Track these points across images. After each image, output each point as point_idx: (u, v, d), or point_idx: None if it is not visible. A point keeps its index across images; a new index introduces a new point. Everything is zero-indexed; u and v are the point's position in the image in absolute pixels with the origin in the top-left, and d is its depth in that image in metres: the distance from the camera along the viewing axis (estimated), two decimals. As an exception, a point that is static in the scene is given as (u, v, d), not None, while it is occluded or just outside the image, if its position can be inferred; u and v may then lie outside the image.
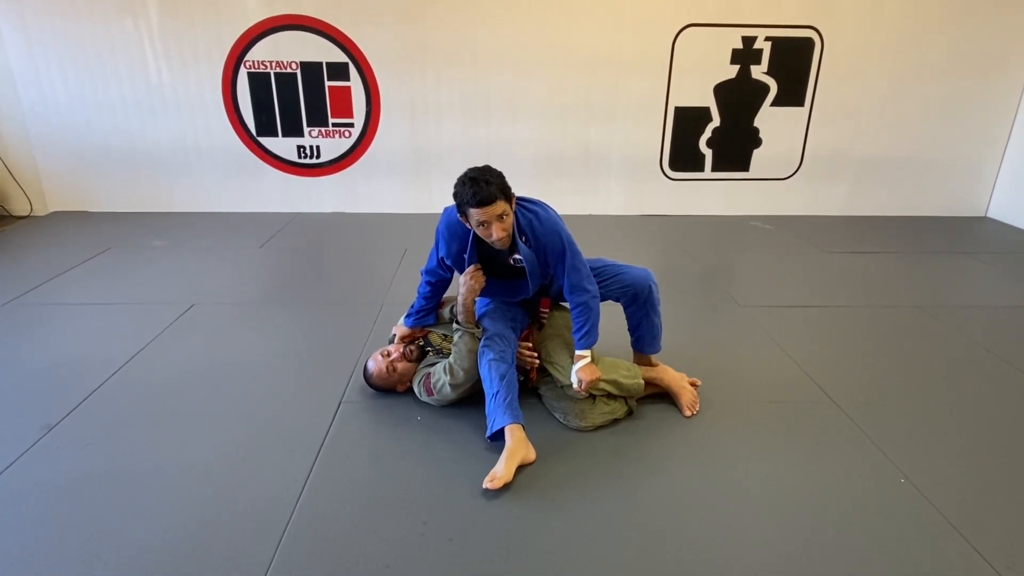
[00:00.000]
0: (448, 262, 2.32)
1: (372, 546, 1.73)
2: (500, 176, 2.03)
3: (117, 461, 2.08)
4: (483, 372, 2.23)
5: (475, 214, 2.01)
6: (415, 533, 1.78)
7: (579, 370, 2.20)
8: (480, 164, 2.08)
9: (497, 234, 2.04)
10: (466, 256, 2.24)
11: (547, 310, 2.49)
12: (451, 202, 2.14)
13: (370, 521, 1.82)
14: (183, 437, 2.21)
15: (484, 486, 1.92)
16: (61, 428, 2.25)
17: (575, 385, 2.21)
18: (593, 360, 2.24)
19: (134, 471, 2.03)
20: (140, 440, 2.19)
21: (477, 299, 2.36)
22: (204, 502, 1.89)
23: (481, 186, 1.96)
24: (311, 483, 1.98)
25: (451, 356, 2.33)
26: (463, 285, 2.28)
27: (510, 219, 2.07)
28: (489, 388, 2.19)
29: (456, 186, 2.03)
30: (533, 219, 2.16)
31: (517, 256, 2.21)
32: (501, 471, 1.95)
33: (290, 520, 1.82)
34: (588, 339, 2.23)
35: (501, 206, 2.00)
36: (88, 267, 3.92)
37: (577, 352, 2.24)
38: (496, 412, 2.12)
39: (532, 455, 2.08)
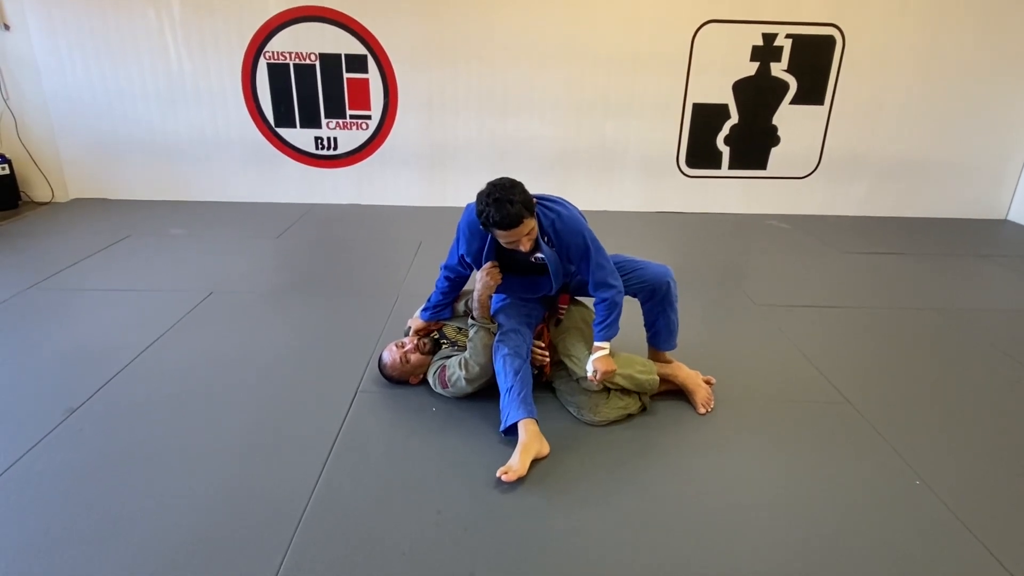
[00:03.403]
0: (468, 259, 2.31)
1: (387, 534, 1.75)
2: (522, 191, 2.00)
3: (137, 445, 2.11)
4: (498, 367, 2.24)
5: (502, 235, 2.02)
6: (430, 522, 1.79)
7: (595, 360, 2.21)
8: (499, 175, 2.07)
9: (525, 247, 2.06)
10: (484, 254, 2.24)
11: (565, 306, 2.49)
12: (468, 196, 2.14)
13: (385, 509, 1.84)
14: (201, 423, 2.25)
15: (498, 475, 1.94)
16: (83, 411, 2.29)
17: (590, 375, 2.21)
18: (610, 354, 2.24)
19: (154, 455, 2.06)
20: (159, 425, 2.23)
21: (493, 295, 2.36)
22: (222, 487, 1.92)
23: (506, 207, 1.93)
24: (327, 471, 2.00)
25: (466, 351, 2.34)
26: (479, 281, 2.28)
27: (535, 231, 2.07)
28: (504, 383, 2.20)
29: (479, 204, 2.00)
30: (555, 219, 2.15)
31: (539, 255, 2.21)
32: (516, 464, 1.96)
33: (307, 506, 1.84)
34: (608, 331, 2.23)
35: (527, 225, 2.00)
36: (108, 254, 3.97)
37: (596, 343, 2.24)
38: (510, 407, 2.14)
39: (546, 449, 2.09)
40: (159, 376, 2.55)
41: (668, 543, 1.75)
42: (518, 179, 2.03)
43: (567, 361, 2.35)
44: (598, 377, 2.20)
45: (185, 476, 1.97)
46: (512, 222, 1.95)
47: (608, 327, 2.22)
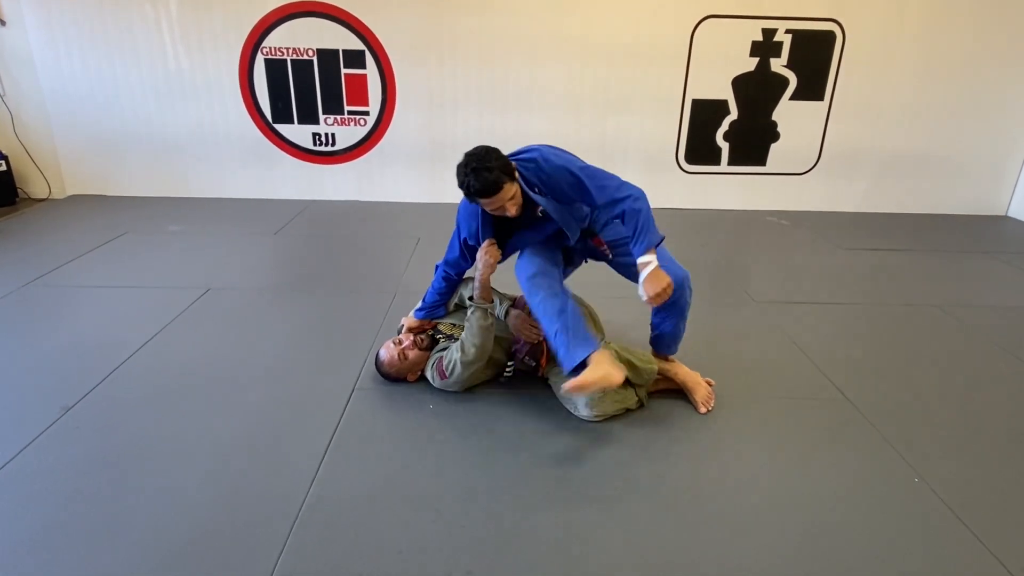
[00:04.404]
0: (471, 242, 2.27)
1: (384, 532, 1.74)
2: (498, 156, 1.97)
3: (133, 442, 2.10)
4: (537, 312, 2.13)
5: (486, 204, 2.00)
6: (427, 520, 1.78)
7: (646, 281, 1.97)
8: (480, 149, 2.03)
9: (512, 212, 2.03)
10: (480, 230, 2.20)
11: (604, 247, 2.35)
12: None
13: (382, 507, 1.83)
14: (198, 421, 2.23)
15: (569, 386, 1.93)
16: (78, 409, 2.27)
17: (643, 298, 2.01)
18: (608, 349, 2.16)
19: (150, 452, 2.05)
20: (156, 422, 2.22)
21: (515, 256, 2.30)
22: (218, 484, 1.91)
23: (484, 175, 1.91)
24: (324, 468, 1.99)
25: (463, 333, 2.32)
26: (479, 260, 2.25)
27: (519, 194, 2.03)
28: (549, 326, 2.07)
29: (458, 176, 1.98)
30: (535, 168, 2.07)
31: (540, 208, 2.15)
32: (613, 373, 1.92)
33: (303, 504, 1.83)
34: (647, 238, 1.98)
35: (509, 189, 1.97)
36: (105, 250, 3.96)
37: (639, 260, 1.99)
38: (573, 344, 2.01)
39: (620, 376, 1.98)
40: (155, 373, 2.54)
41: (667, 541, 1.74)
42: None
43: None
44: (653, 300, 1.97)
45: (181, 473, 1.96)
46: (492, 189, 1.94)
47: (642, 236, 1.97)
